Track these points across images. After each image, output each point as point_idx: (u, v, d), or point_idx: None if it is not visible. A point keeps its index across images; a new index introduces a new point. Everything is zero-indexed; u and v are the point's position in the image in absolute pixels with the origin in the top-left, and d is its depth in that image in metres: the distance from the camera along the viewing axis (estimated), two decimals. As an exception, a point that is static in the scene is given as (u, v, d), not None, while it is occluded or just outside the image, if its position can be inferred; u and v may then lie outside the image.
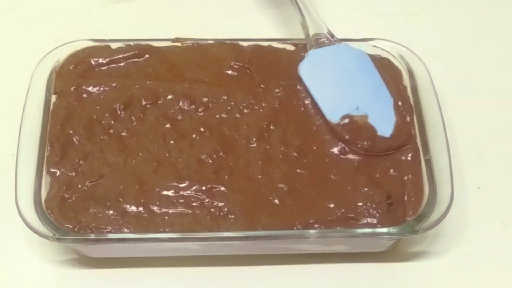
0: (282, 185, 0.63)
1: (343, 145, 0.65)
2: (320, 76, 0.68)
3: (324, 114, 0.66)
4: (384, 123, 0.66)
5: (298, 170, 0.63)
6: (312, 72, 0.68)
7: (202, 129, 0.65)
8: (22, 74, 0.68)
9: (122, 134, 0.65)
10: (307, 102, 0.67)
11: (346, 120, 0.65)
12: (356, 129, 0.65)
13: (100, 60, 0.68)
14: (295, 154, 0.64)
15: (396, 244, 0.64)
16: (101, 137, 0.65)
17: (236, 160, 0.64)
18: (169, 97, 0.66)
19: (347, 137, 0.65)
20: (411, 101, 0.67)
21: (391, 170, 0.64)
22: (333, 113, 0.66)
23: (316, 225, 0.61)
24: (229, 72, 0.69)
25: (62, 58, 0.68)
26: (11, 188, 0.61)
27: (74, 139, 0.64)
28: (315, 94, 0.67)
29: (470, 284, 0.64)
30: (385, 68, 0.69)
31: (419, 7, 0.82)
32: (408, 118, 0.66)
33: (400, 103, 0.67)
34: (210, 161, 0.63)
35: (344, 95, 0.67)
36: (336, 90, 0.67)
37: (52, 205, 0.61)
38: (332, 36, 0.70)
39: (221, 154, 0.64)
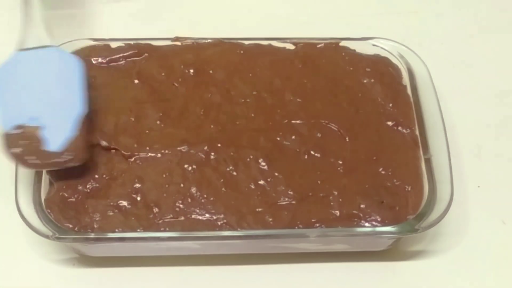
0: (283, 187, 0.62)
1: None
2: (13, 82, 0.62)
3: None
4: (59, 137, 0.61)
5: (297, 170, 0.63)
6: (8, 75, 0.63)
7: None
8: (22, 73, 0.68)
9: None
10: None
11: (18, 131, 0.60)
12: (23, 141, 0.60)
13: (100, 59, 0.68)
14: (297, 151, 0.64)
15: (396, 243, 0.64)
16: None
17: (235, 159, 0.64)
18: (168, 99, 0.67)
19: (12, 150, 0.60)
20: (411, 100, 0.67)
21: (391, 169, 0.64)
22: (10, 121, 0.61)
23: (317, 224, 0.61)
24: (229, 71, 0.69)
25: (62, 57, 0.68)
26: (11, 187, 0.61)
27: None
28: (1, 99, 0.62)
29: (470, 283, 0.64)
30: (384, 67, 0.69)
31: (419, 6, 0.82)
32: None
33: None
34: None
35: (26, 103, 0.62)
36: (22, 98, 0.62)
37: (52, 204, 0.61)
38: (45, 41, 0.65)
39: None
